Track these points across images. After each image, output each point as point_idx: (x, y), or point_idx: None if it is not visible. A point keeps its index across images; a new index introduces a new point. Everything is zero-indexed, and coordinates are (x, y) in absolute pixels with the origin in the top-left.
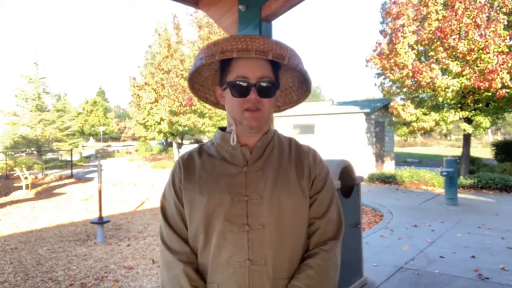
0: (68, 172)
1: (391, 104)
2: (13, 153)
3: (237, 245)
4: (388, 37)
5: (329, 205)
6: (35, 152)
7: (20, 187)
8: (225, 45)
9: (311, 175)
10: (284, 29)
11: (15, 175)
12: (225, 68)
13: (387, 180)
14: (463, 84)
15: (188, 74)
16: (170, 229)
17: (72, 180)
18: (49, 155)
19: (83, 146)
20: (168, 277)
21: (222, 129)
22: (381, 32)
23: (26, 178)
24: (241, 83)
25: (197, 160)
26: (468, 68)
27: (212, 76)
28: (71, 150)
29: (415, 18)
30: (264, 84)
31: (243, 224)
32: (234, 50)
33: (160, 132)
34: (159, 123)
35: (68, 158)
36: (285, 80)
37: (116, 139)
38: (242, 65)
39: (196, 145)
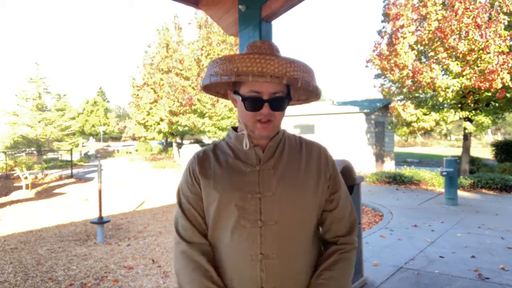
0: (68, 172)
1: (392, 104)
2: (13, 153)
3: (250, 240)
4: (387, 37)
5: (345, 202)
6: (35, 152)
7: (20, 187)
8: (240, 65)
9: (326, 174)
10: (284, 29)
11: (15, 175)
12: None
13: (387, 180)
14: (463, 84)
15: (202, 85)
16: (186, 221)
17: (72, 180)
18: (49, 155)
19: (83, 146)
20: (183, 265)
21: (235, 128)
22: (379, 32)
23: (26, 178)
24: (254, 98)
25: (212, 158)
26: (468, 68)
27: None
28: (71, 150)
29: (415, 19)
30: (276, 99)
31: (256, 220)
32: (250, 74)
33: (160, 132)
34: (158, 123)
35: (68, 158)
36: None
37: (116, 139)
38: (255, 80)
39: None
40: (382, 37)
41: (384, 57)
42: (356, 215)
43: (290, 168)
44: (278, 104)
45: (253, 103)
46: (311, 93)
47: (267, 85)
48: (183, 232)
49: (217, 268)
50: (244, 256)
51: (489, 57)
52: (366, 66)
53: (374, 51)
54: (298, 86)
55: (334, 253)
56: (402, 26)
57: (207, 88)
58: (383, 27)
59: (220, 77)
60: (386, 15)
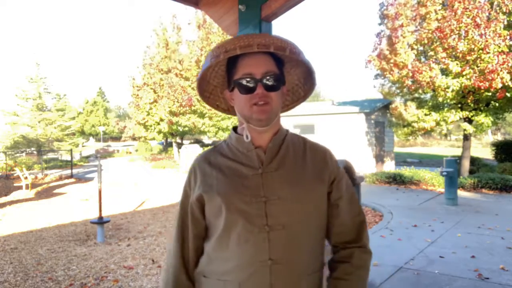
0: (68, 172)
1: (393, 105)
2: (13, 153)
3: (258, 246)
4: (386, 37)
5: (350, 206)
6: (35, 152)
7: (20, 187)
8: (228, 45)
9: (330, 176)
10: (284, 29)
11: (15, 175)
12: (231, 69)
13: (387, 180)
14: (463, 84)
15: (197, 80)
16: (179, 234)
17: (72, 180)
18: (49, 155)
19: (83, 146)
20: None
21: (235, 129)
22: (378, 34)
23: (26, 178)
24: (247, 80)
25: (213, 162)
26: (468, 68)
27: (221, 84)
28: (71, 150)
29: (414, 18)
30: (269, 78)
31: (263, 225)
32: (237, 48)
33: (160, 132)
34: (158, 123)
35: (68, 158)
36: (290, 78)
37: (116, 139)
38: (246, 62)
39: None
40: (380, 40)
41: (383, 58)
42: (365, 216)
43: (294, 171)
44: (272, 83)
45: (246, 85)
46: (307, 80)
47: (258, 65)
48: (173, 243)
49: (225, 275)
50: (253, 262)
51: (489, 57)
52: (366, 67)
53: (373, 51)
54: (286, 55)
55: (344, 262)
56: (401, 26)
57: (206, 98)
58: (381, 31)
59: (210, 60)
60: (383, 17)
